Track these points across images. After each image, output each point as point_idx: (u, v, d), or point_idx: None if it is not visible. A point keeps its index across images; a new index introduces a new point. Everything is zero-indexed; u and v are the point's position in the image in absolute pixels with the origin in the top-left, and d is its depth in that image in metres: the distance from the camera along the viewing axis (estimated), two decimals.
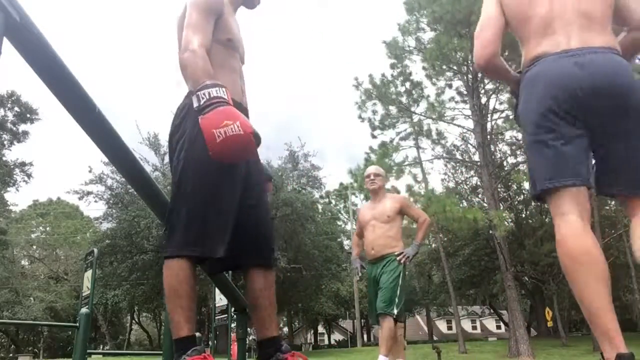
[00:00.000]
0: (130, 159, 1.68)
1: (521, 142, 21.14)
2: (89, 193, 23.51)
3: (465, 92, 16.91)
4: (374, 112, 16.69)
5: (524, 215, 26.11)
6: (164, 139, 24.26)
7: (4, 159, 22.82)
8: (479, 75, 16.51)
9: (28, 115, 22.65)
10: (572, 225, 1.56)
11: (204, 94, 1.50)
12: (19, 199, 58.83)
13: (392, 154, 15.77)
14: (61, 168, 67.10)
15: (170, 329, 1.60)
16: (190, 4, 1.75)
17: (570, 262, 1.51)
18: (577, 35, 1.62)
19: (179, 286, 1.56)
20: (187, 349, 1.52)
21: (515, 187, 24.14)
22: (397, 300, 3.78)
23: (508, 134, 19.62)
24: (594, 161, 1.68)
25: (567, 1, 1.65)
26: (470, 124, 16.81)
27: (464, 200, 21.78)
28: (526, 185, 24.67)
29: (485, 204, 17.35)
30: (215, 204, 1.60)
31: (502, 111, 17.12)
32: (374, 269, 4.03)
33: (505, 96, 17.04)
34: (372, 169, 4.24)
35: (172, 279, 1.57)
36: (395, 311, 3.76)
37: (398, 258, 3.90)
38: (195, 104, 1.52)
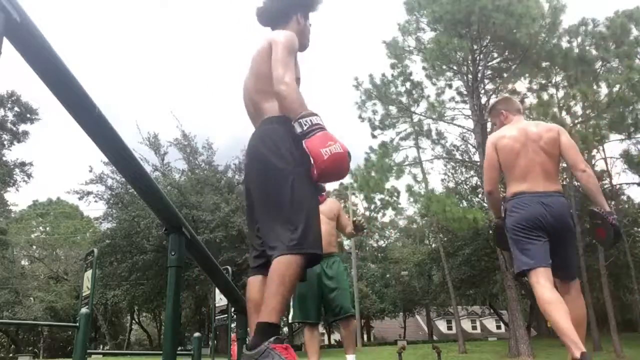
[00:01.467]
0: (130, 159, 1.67)
1: None
2: (89, 193, 23.49)
3: (465, 92, 16.91)
4: (374, 112, 16.70)
5: None
6: (164, 139, 24.27)
7: (4, 159, 22.81)
8: (479, 75, 16.53)
9: (28, 115, 22.64)
10: (544, 287, 2.65)
11: (305, 121, 1.78)
12: (19, 199, 58.84)
13: (392, 154, 15.78)
14: (61, 168, 67.14)
15: (264, 312, 1.70)
16: (278, 42, 1.97)
17: (547, 305, 2.60)
18: (541, 183, 2.80)
19: (289, 279, 1.71)
20: (271, 335, 1.64)
21: None
22: (351, 299, 4.00)
23: None
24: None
25: (535, 163, 2.83)
26: (470, 124, 16.82)
27: (464, 200, 21.77)
28: None
29: (485, 204, 17.36)
30: (317, 212, 1.87)
31: None
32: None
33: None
34: None
35: (289, 270, 1.71)
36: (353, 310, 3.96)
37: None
38: (298, 130, 1.78)
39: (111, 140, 1.55)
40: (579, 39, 16.60)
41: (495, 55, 16.67)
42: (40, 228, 38.03)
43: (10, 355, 32.58)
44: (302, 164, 1.82)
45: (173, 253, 1.97)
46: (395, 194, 15.63)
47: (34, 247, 36.09)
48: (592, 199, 2.83)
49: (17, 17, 1.03)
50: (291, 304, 3.91)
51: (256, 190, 1.92)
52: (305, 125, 1.77)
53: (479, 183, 20.94)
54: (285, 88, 1.84)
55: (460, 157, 20.63)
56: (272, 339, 1.61)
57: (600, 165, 22.75)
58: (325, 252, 3.85)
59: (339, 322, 3.92)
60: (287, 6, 2.17)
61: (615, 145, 51.45)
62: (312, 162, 1.74)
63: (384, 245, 36.89)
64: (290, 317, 3.93)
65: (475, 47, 15.78)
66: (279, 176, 1.83)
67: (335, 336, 43.85)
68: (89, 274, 4.22)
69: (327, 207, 4.15)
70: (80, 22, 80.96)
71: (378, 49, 16.50)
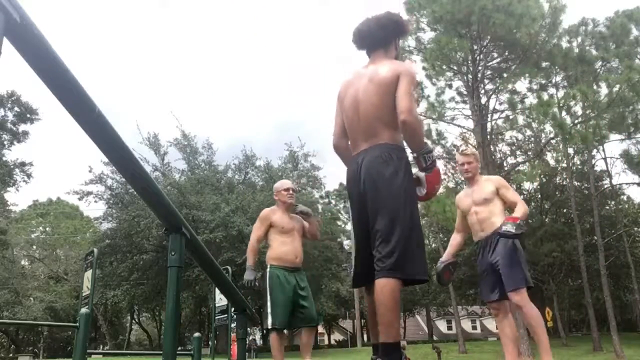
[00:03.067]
0: (130, 159, 1.67)
1: (521, 142, 21.13)
2: (89, 193, 23.49)
3: (465, 92, 16.89)
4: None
5: None
6: (163, 139, 24.28)
7: (4, 159, 22.80)
8: (479, 75, 16.52)
9: (28, 115, 22.62)
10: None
11: (428, 157, 2.22)
12: (19, 199, 58.86)
13: None
14: (61, 168, 67.13)
15: (385, 332, 1.99)
16: (409, 76, 2.24)
17: (542, 325, 3.28)
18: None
19: (398, 302, 2.02)
20: (398, 353, 1.96)
21: (515, 188, 24.13)
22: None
23: (508, 134, 19.64)
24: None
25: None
26: (470, 124, 16.81)
27: None
28: (526, 185, 24.63)
29: None
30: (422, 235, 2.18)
31: (502, 111, 17.12)
32: (290, 276, 4.09)
33: (505, 96, 17.03)
34: (292, 184, 4.41)
35: (397, 295, 2.01)
36: None
37: None
38: (422, 164, 2.22)
39: (111, 140, 1.55)
40: (579, 39, 16.62)
41: (495, 55, 16.66)
42: (40, 228, 38.00)
43: (10, 355, 32.57)
44: (410, 193, 2.18)
45: (173, 253, 1.97)
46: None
47: (34, 247, 36.08)
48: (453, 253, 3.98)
49: (17, 17, 1.03)
50: (268, 310, 4.03)
51: (376, 205, 2.14)
52: (428, 160, 2.22)
53: None
54: (412, 120, 2.13)
55: None
56: (402, 358, 1.98)
57: (600, 165, 22.77)
58: (299, 266, 4.14)
59: (304, 330, 4.13)
60: (388, 33, 2.42)
61: (615, 145, 51.54)
62: (424, 187, 2.28)
63: None
64: (269, 322, 4.01)
65: (475, 47, 15.77)
66: (386, 198, 2.11)
67: (336, 336, 43.87)
68: (89, 274, 4.22)
69: (297, 222, 4.30)
70: (80, 22, 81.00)
71: None
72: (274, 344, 4.04)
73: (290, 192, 4.27)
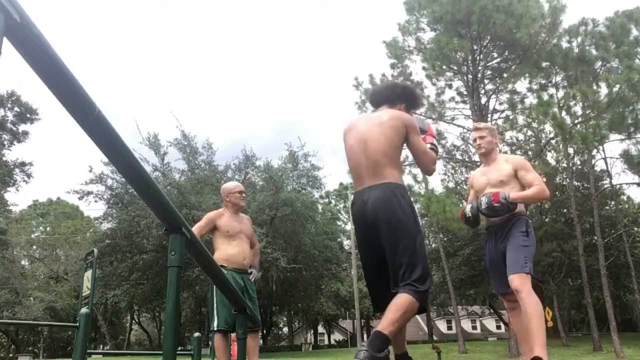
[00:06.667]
0: (130, 160, 1.67)
1: (521, 142, 21.12)
2: (89, 193, 23.43)
3: (465, 92, 16.90)
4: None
5: None
6: (164, 139, 24.24)
7: (4, 159, 22.79)
8: (479, 75, 16.53)
9: (28, 115, 22.60)
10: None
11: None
12: (19, 199, 58.80)
13: None
14: (61, 168, 67.10)
15: (386, 325, 2.19)
16: (414, 129, 2.55)
17: (539, 314, 2.90)
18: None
19: (407, 313, 2.24)
20: (383, 344, 2.13)
21: None
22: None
23: (508, 134, 19.62)
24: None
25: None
26: (470, 124, 16.81)
27: (464, 200, 21.76)
28: None
29: None
30: None
31: (502, 111, 17.14)
32: (237, 277, 4.12)
33: (505, 96, 17.04)
34: (242, 186, 4.47)
35: (410, 307, 2.24)
36: None
37: (251, 277, 4.25)
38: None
39: (111, 140, 1.55)
40: (579, 39, 16.61)
41: (495, 55, 16.67)
42: (41, 228, 38.00)
43: (10, 355, 32.58)
44: (419, 225, 2.46)
45: (173, 253, 1.97)
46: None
47: (34, 247, 36.06)
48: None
49: (17, 17, 1.03)
50: (215, 312, 4.02)
51: (388, 240, 2.38)
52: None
53: None
54: (434, 170, 2.66)
55: (460, 157, 20.64)
56: (383, 352, 2.14)
57: (600, 165, 22.78)
58: (247, 268, 4.12)
59: (249, 333, 4.11)
60: (394, 93, 2.80)
61: (615, 145, 51.53)
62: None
63: None
64: (215, 324, 4.01)
65: (475, 47, 15.77)
66: (410, 233, 2.36)
67: (336, 336, 43.86)
68: (89, 274, 4.22)
69: (246, 226, 4.34)
70: (80, 22, 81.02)
71: (378, 49, 16.51)
72: (218, 345, 4.01)
73: (244, 194, 4.35)
